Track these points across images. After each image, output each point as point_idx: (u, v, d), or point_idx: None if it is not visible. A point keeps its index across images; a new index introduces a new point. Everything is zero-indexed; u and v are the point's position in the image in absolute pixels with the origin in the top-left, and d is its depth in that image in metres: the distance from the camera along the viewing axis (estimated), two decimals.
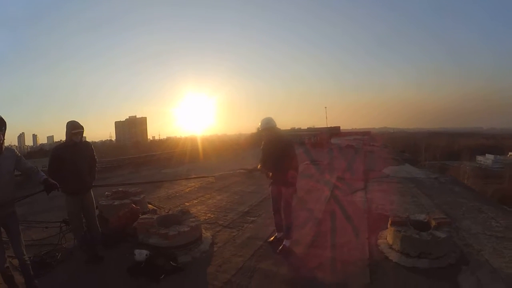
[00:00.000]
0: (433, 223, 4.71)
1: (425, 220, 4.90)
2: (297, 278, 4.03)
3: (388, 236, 4.86)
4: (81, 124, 4.63)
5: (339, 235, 5.42)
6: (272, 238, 5.19)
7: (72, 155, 4.55)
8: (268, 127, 5.01)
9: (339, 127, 43.52)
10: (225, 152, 22.50)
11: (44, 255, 4.77)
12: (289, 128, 48.89)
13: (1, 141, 3.45)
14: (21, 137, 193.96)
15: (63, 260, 4.69)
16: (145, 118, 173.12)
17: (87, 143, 4.88)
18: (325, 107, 49.78)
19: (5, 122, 3.50)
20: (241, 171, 5.59)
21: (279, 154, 4.85)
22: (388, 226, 4.88)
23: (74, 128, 4.55)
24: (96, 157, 4.97)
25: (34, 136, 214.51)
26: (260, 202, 7.69)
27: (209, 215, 6.79)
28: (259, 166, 5.39)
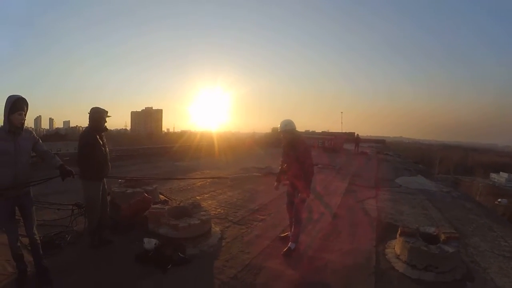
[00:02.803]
0: (442, 237, 4.67)
1: (435, 233, 4.86)
2: (303, 280, 4.05)
3: (396, 246, 4.85)
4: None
5: (347, 240, 5.43)
6: (285, 234, 5.29)
7: (102, 141, 4.70)
8: (286, 130, 4.97)
9: (354, 133, 43.25)
10: (239, 149, 22.56)
11: (54, 236, 4.88)
12: (304, 131, 48.83)
13: (23, 122, 3.54)
14: (37, 120, 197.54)
15: (73, 242, 4.80)
16: (161, 110, 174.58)
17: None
18: (341, 112, 49.32)
19: (27, 103, 3.58)
20: (256, 174, 5.54)
21: (295, 157, 4.85)
22: (397, 236, 4.86)
23: (103, 114, 4.69)
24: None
25: (51, 120, 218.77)
26: (271, 202, 7.71)
27: (219, 210, 6.87)
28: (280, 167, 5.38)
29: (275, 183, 5.25)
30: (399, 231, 4.88)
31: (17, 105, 3.47)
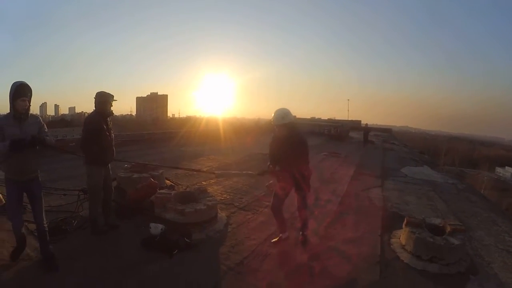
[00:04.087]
0: (448, 228, 4.66)
1: (440, 225, 4.85)
2: (307, 267, 4.08)
3: (401, 236, 4.85)
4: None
5: (352, 229, 5.44)
6: (276, 239, 4.71)
7: (106, 126, 4.67)
8: (284, 124, 4.41)
9: (360, 121, 42.99)
10: (245, 135, 22.53)
11: (60, 221, 4.91)
12: (309, 118, 48.64)
13: (27, 107, 3.55)
14: (43, 106, 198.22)
15: (79, 228, 4.83)
16: (166, 95, 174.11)
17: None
18: (348, 100, 48.90)
19: (31, 89, 3.59)
20: (248, 172, 5.48)
21: (293, 153, 4.38)
22: (403, 226, 4.86)
23: (108, 97, 4.67)
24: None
25: (56, 106, 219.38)
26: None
27: (225, 196, 6.90)
28: (268, 167, 4.74)
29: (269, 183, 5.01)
30: (405, 221, 4.88)
31: (19, 91, 3.48)
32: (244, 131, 24.33)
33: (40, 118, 3.84)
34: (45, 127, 3.82)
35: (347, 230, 5.38)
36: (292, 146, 4.39)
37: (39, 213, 3.77)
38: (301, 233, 4.77)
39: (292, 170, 4.44)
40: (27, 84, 3.54)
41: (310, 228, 5.03)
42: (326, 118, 47.92)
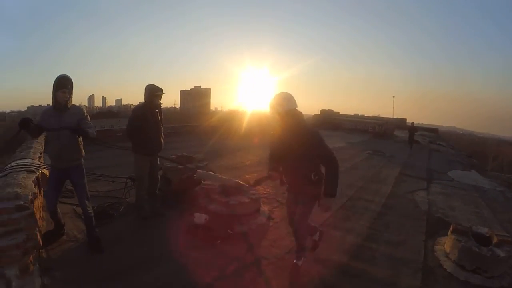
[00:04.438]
0: (495, 239, 4.49)
1: (487, 235, 4.68)
2: (348, 267, 4.07)
3: (446, 244, 4.73)
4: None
5: (395, 232, 5.38)
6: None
7: (153, 117, 4.85)
8: (284, 111, 3.41)
9: (406, 119, 41.65)
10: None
11: (107, 206, 5.21)
12: (352, 114, 47.69)
13: (67, 99, 3.73)
14: (91, 98, 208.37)
15: (125, 213, 5.12)
16: (209, 89, 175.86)
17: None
18: (393, 96, 47.38)
19: (71, 82, 3.75)
20: (238, 181, 5.26)
21: (298, 151, 3.38)
22: (449, 233, 4.74)
23: (156, 91, 4.83)
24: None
25: (103, 98, 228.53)
26: None
27: (268, 190, 6.95)
28: (268, 174, 3.83)
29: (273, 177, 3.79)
30: (451, 228, 4.76)
31: (60, 83, 3.67)
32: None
33: (83, 110, 3.99)
34: (88, 119, 3.95)
35: (390, 232, 5.32)
36: (297, 138, 3.35)
37: (82, 199, 4.01)
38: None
39: (301, 171, 3.51)
40: (68, 77, 3.73)
41: (353, 228, 4.98)
42: (370, 115, 46.70)
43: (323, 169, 3.49)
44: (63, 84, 3.68)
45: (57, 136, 3.75)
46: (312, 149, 3.35)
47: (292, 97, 3.46)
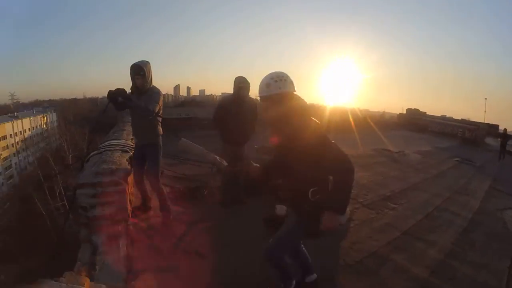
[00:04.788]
0: None
1: None
2: (428, 283, 3.76)
3: None
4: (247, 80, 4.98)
5: (480, 252, 4.83)
6: None
7: (237, 108, 4.94)
8: (266, 96, 2.49)
9: (498, 125, 37.31)
10: (368, 128, 21.42)
11: (193, 188, 5.48)
12: (439, 116, 44.09)
13: (139, 84, 4.04)
14: (176, 88, 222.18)
15: (209, 197, 5.38)
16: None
17: (252, 99, 5.22)
18: (485, 99, 42.28)
19: (143, 69, 4.00)
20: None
21: (289, 154, 2.53)
22: None
23: (240, 83, 4.93)
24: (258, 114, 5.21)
25: (188, 89, 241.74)
26: (404, 190, 7.34)
27: None
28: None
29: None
30: None
31: (134, 70, 4.01)
32: (366, 124, 23.16)
33: (157, 91, 4.18)
34: (155, 98, 4.06)
35: (474, 252, 4.80)
36: (290, 135, 2.49)
37: (150, 176, 4.36)
38: None
39: (296, 184, 2.64)
40: (139, 65, 4.00)
41: (435, 241, 4.63)
42: (459, 118, 42.43)
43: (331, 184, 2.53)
44: (136, 71, 4.01)
45: (133, 115, 4.25)
46: (310, 152, 2.41)
47: (286, 77, 2.48)
